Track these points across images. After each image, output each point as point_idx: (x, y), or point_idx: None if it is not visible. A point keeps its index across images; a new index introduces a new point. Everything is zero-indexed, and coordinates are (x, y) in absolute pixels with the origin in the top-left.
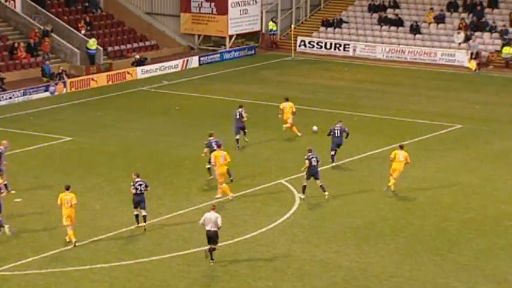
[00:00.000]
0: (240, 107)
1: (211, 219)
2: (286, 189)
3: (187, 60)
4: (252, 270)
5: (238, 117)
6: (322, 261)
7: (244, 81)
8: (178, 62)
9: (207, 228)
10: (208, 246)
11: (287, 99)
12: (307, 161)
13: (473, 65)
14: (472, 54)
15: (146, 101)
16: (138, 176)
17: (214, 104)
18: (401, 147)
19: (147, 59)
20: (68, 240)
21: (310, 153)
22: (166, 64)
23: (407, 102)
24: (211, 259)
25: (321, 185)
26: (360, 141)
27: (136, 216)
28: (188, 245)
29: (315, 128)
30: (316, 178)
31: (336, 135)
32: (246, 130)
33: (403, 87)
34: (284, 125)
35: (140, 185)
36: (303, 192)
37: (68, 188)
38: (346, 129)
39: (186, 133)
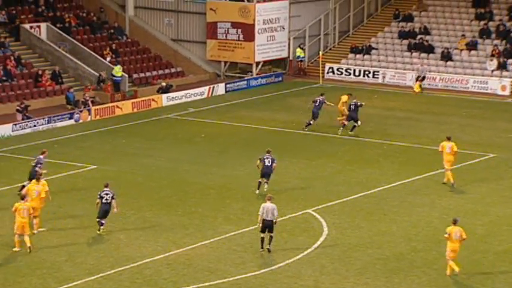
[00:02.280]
0: (322, 94)
1: (269, 209)
2: (313, 219)
3: (213, 88)
4: None
5: (317, 104)
6: None
7: (271, 108)
8: (204, 89)
9: (265, 217)
10: (263, 235)
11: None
12: (258, 161)
13: None
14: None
15: (172, 128)
16: (106, 186)
17: (240, 131)
18: (448, 138)
19: (172, 86)
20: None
21: (267, 154)
22: (192, 91)
23: (439, 131)
24: (269, 246)
25: (259, 181)
26: (390, 170)
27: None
28: (213, 275)
29: None
30: (267, 178)
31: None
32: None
33: (434, 115)
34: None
35: (107, 194)
36: (258, 188)
37: (23, 198)
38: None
39: (211, 161)
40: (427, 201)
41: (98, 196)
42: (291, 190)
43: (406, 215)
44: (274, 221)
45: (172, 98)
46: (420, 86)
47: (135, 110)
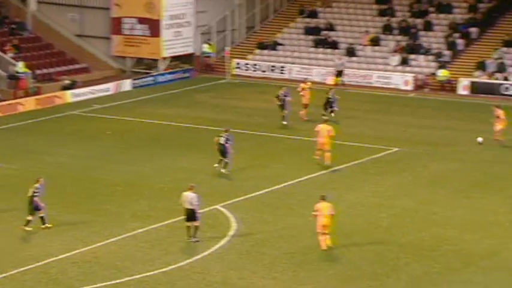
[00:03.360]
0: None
1: (188, 198)
2: (221, 214)
3: (119, 84)
4: None
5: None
6: None
7: (178, 104)
8: (110, 86)
9: (185, 206)
10: (188, 224)
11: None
12: (216, 138)
13: None
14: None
15: (76, 125)
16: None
17: (147, 128)
18: (325, 121)
19: (77, 82)
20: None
21: (225, 134)
22: (97, 87)
23: (344, 125)
24: (196, 238)
25: (221, 160)
26: (295, 165)
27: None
28: (120, 273)
29: (480, 139)
30: (224, 156)
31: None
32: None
33: (339, 109)
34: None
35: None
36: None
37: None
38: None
39: (117, 158)
40: (333, 196)
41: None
42: (199, 186)
43: (312, 210)
44: (194, 209)
45: (77, 94)
46: (338, 80)
47: (38, 106)
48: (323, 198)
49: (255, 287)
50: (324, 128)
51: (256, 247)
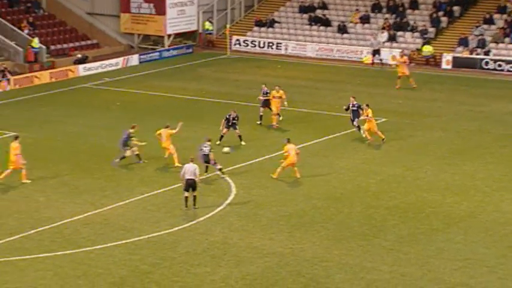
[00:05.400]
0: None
1: (190, 169)
2: (222, 180)
3: (128, 59)
4: (191, 258)
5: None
6: (257, 248)
7: (183, 78)
8: (119, 60)
9: (187, 177)
10: (186, 194)
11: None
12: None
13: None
14: (374, 51)
15: (88, 97)
16: None
17: (154, 99)
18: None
19: (88, 57)
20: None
21: (208, 143)
22: (107, 62)
23: (337, 98)
24: (194, 205)
25: (206, 167)
26: (292, 134)
27: None
28: (129, 234)
29: (226, 149)
30: (207, 163)
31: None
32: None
33: (332, 83)
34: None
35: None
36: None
37: (16, 137)
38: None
39: (126, 127)
40: (325, 163)
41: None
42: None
43: (307, 176)
44: (195, 180)
45: (88, 68)
46: (371, 59)
47: (52, 79)
48: (289, 141)
49: (254, 246)
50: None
51: (254, 210)
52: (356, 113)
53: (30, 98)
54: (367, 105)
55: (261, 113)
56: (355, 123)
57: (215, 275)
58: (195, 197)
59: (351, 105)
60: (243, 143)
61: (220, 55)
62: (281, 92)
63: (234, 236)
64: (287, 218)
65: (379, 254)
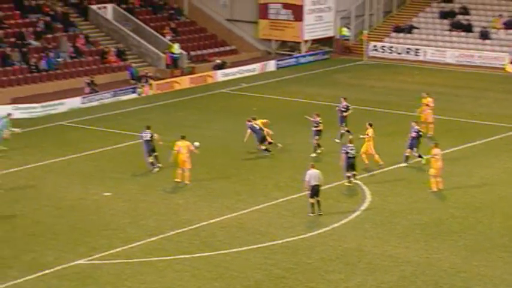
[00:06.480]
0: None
1: (314, 175)
2: (357, 187)
3: (265, 64)
4: (325, 264)
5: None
6: (392, 256)
7: (319, 84)
8: (256, 66)
9: (312, 183)
10: (312, 200)
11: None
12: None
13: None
14: None
15: (226, 102)
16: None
17: (290, 105)
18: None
19: (226, 63)
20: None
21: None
22: (244, 68)
23: (477, 105)
24: (320, 211)
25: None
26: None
27: None
28: (264, 238)
29: (196, 144)
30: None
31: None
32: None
33: (473, 90)
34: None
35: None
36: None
37: (183, 137)
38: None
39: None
40: (464, 171)
41: None
42: (336, 159)
43: (444, 184)
44: (320, 185)
45: (227, 74)
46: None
47: (192, 85)
48: (436, 145)
49: (388, 254)
50: None
51: (389, 218)
52: (416, 141)
53: (170, 103)
54: (370, 124)
55: (342, 131)
56: (414, 152)
57: (349, 282)
58: (319, 202)
59: (412, 131)
60: (279, 145)
61: (357, 61)
62: (428, 99)
63: (368, 243)
64: (423, 226)
65: None
